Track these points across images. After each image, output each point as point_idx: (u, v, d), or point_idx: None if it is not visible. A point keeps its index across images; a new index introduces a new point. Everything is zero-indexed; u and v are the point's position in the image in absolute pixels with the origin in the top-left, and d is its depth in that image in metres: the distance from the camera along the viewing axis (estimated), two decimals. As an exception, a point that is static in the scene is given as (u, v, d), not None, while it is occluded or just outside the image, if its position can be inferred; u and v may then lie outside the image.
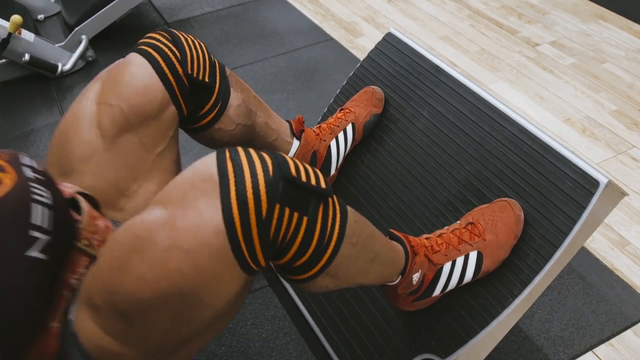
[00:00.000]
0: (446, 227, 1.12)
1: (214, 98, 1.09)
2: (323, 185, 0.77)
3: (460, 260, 1.06)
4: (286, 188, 0.72)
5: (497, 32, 2.55)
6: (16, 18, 2.06)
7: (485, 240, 1.07)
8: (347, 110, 1.37)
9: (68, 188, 0.90)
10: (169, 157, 1.05)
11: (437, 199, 1.22)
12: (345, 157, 1.40)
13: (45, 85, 2.29)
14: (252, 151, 0.74)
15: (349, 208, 0.83)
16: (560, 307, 1.43)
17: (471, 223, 1.09)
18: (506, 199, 1.11)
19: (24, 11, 2.48)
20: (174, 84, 1.01)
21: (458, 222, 1.12)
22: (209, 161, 0.72)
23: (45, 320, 0.77)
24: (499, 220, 1.08)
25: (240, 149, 0.74)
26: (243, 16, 2.75)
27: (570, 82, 2.22)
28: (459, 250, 1.06)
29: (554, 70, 2.29)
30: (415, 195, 1.26)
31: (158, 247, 0.69)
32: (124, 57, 1.04)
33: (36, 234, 0.71)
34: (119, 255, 0.72)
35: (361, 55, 2.41)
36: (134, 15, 2.69)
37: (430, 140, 1.29)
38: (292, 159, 0.77)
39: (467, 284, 1.10)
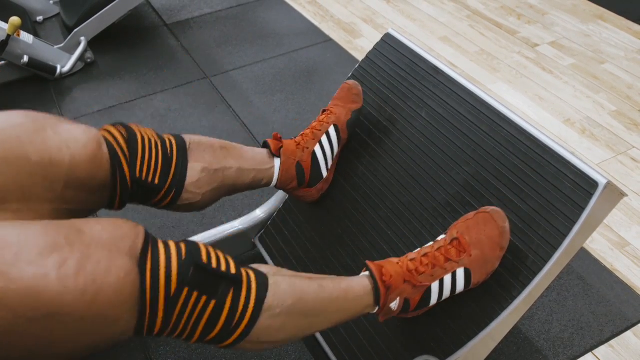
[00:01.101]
0: (430, 243, 1.11)
1: (163, 191, 1.06)
2: (233, 271, 0.84)
3: (448, 278, 1.05)
4: (196, 273, 0.79)
5: (496, 32, 2.55)
6: (15, 20, 2.06)
7: (471, 256, 1.06)
8: (328, 112, 1.36)
9: None
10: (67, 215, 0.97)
11: (436, 200, 1.22)
12: (339, 157, 1.39)
13: (44, 87, 2.29)
14: (170, 243, 0.81)
15: (272, 281, 0.88)
16: (560, 308, 1.43)
17: (456, 239, 1.08)
18: (489, 209, 1.09)
19: (23, 13, 2.48)
20: (117, 180, 0.97)
21: (443, 237, 1.11)
22: (136, 233, 0.78)
23: None
24: (483, 234, 1.07)
25: (159, 241, 0.81)
26: (242, 17, 2.74)
27: (569, 82, 2.22)
28: (445, 269, 1.04)
29: (554, 71, 2.28)
30: (413, 196, 1.26)
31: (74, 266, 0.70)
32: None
33: None
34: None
35: (360, 56, 2.40)
36: (133, 16, 2.69)
37: (428, 141, 1.28)
38: (205, 246, 0.84)
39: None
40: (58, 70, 2.30)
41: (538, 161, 1.11)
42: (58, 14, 2.67)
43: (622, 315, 1.41)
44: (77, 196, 0.91)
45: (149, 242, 0.79)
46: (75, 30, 2.36)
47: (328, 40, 2.55)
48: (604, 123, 2.02)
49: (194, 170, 1.10)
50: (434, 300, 1.06)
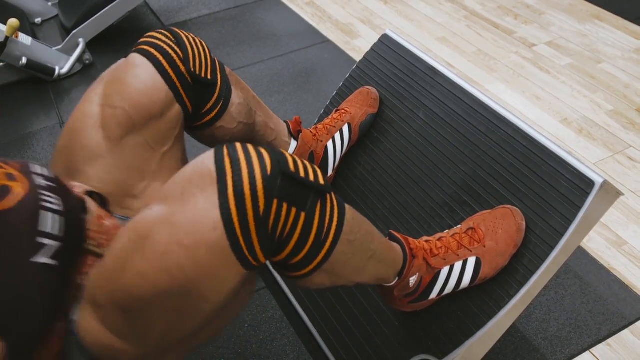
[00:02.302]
0: (447, 230, 1.12)
1: (216, 95, 1.09)
2: (321, 181, 0.77)
3: (458, 265, 1.06)
4: (284, 183, 0.72)
5: (493, 32, 2.55)
6: (13, 22, 2.06)
7: (484, 246, 1.07)
8: (342, 111, 1.38)
9: (77, 188, 0.90)
10: (175, 156, 1.05)
11: (433, 200, 1.22)
12: (342, 158, 1.40)
13: (42, 89, 2.29)
14: (250, 147, 0.74)
15: (347, 206, 0.83)
16: (557, 307, 1.43)
17: (472, 228, 1.09)
18: (509, 206, 1.11)
19: (22, 15, 2.49)
20: (177, 82, 1.01)
21: (459, 226, 1.12)
22: (207, 158, 0.73)
23: (53, 323, 0.78)
24: (500, 227, 1.08)
25: (238, 145, 0.74)
26: (240, 18, 2.75)
27: (566, 82, 2.22)
28: (458, 255, 1.05)
29: (551, 71, 2.29)
30: (411, 196, 1.26)
31: (158, 243, 0.70)
32: (125, 57, 1.04)
33: (45, 240, 0.72)
34: (121, 253, 0.73)
35: (358, 57, 2.41)
36: (131, 18, 2.69)
37: (426, 141, 1.29)
38: (290, 155, 0.77)
39: (464, 288, 1.10)
40: (56, 72, 2.30)
41: (535, 160, 1.11)
42: (56, 16, 2.67)
43: (619, 314, 1.42)
44: (157, 131, 1.01)
45: (222, 157, 0.72)
46: (74, 31, 2.36)
47: (326, 41, 2.56)
48: (601, 122, 2.02)
49: (236, 94, 1.14)
50: (437, 288, 1.06)
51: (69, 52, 2.37)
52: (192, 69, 1.03)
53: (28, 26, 2.44)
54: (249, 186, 0.70)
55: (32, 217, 0.72)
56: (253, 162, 0.72)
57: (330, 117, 1.38)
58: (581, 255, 1.56)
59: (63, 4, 2.58)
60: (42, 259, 0.72)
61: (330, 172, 1.35)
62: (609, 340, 1.37)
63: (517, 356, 1.33)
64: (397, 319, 1.19)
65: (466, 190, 1.19)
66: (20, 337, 0.71)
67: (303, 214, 0.74)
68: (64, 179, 0.96)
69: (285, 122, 1.30)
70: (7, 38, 2.08)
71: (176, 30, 1.07)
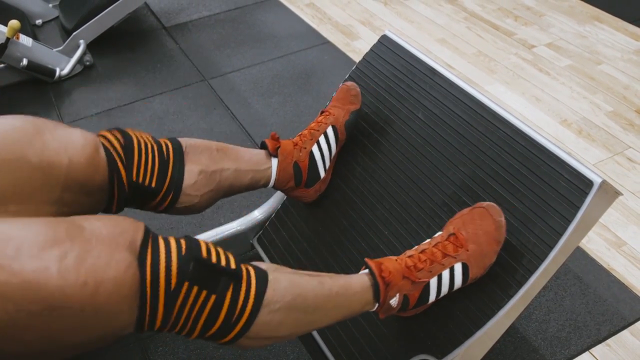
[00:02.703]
0: (428, 240, 1.11)
1: (161, 195, 1.07)
2: (233, 266, 0.85)
3: (446, 274, 1.06)
4: (196, 268, 0.79)
5: (493, 34, 2.56)
6: (14, 23, 2.06)
7: (468, 250, 1.07)
8: (326, 113, 1.36)
9: None
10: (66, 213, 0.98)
11: (432, 200, 1.23)
12: (337, 158, 1.40)
13: (43, 90, 2.30)
14: (170, 238, 0.82)
15: (272, 276, 0.89)
16: (557, 308, 1.43)
17: (453, 234, 1.09)
18: (485, 204, 1.11)
19: (22, 16, 2.49)
20: (115, 188, 0.99)
21: (440, 233, 1.12)
22: (135, 229, 0.78)
23: None
24: (480, 228, 1.08)
25: (159, 237, 0.81)
26: (240, 20, 2.75)
27: (566, 83, 2.23)
28: (443, 265, 1.05)
29: (550, 72, 2.29)
30: (410, 196, 1.26)
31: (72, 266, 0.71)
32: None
33: None
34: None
35: (358, 58, 2.41)
36: (132, 19, 2.70)
37: (425, 141, 1.29)
38: (205, 242, 0.84)
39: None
40: (57, 73, 2.30)
41: (534, 161, 1.12)
42: (57, 17, 2.68)
43: (618, 315, 1.42)
44: (75, 199, 0.92)
45: (149, 237, 0.79)
46: (74, 33, 2.36)
47: (325, 42, 2.56)
48: (600, 123, 2.03)
49: (191, 172, 1.10)
50: (432, 296, 1.06)
51: (69, 53, 2.37)
52: (135, 179, 1.01)
53: (29, 27, 2.44)
54: (165, 264, 0.77)
55: None
56: (171, 247, 0.79)
57: (316, 119, 1.37)
58: (581, 255, 1.56)
59: (64, 6, 2.58)
60: None
61: (322, 174, 1.34)
62: (609, 341, 1.37)
63: (516, 356, 1.33)
64: (397, 319, 1.19)
65: (465, 191, 1.19)
66: None
67: (213, 296, 0.81)
68: None
69: (262, 142, 1.27)
70: (7, 39, 2.08)
71: (129, 132, 1.04)
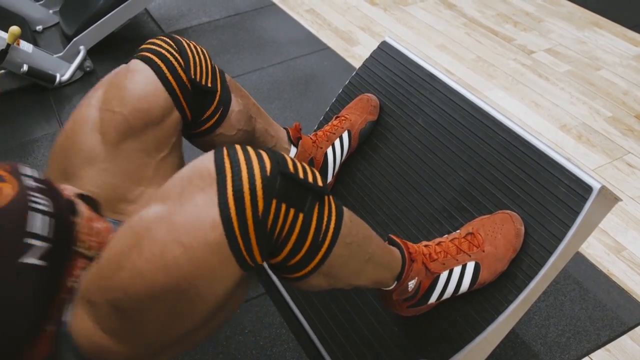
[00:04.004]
0: (446, 235, 1.12)
1: (215, 103, 1.10)
2: (320, 183, 0.78)
3: (457, 270, 1.06)
4: (283, 184, 0.73)
5: (492, 40, 2.57)
6: (15, 29, 2.07)
7: (483, 251, 1.07)
8: (342, 118, 1.38)
9: (67, 190, 0.91)
10: (172, 163, 1.06)
11: (432, 206, 1.23)
12: (342, 165, 1.40)
13: (43, 96, 2.30)
14: (250, 149, 0.75)
15: (345, 209, 0.84)
16: (556, 313, 1.43)
17: (471, 233, 1.10)
18: (508, 211, 1.11)
19: (23, 22, 2.50)
20: (177, 89, 1.02)
21: (458, 231, 1.12)
22: (206, 158, 0.74)
23: (41, 325, 0.78)
24: (499, 232, 1.09)
25: (238, 147, 0.75)
26: (240, 26, 2.76)
27: (565, 89, 2.23)
28: (457, 260, 1.06)
29: (550, 78, 2.30)
30: (410, 202, 1.27)
31: (156, 241, 0.70)
32: (126, 63, 1.04)
33: (33, 241, 0.72)
34: (118, 251, 0.74)
35: (357, 64, 2.42)
36: (132, 25, 2.71)
37: (425, 147, 1.29)
38: (290, 157, 0.78)
39: (463, 292, 1.10)
40: (57, 79, 2.31)
41: (533, 166, 1.12)
42: (57, 23, 2.68)
43: (618, 320, 1.42)
44: (156, 130, 1.01)
45: (222, 159, 0.74)
46: (75, 39, 2.37)
47: (325, 48, 2.57)
48: (599, 129, 2.03)
49: (235, 101, 1.14)
50: (436, 293, 1.06)
51: (69, 59, 2.38)
52: (193, 77, 1.04)
53: (29, 34, 2.45)
54: (248, 186, 0.71)
55: (20, 217, 0.72)
56: (253, 162, 0.73)
57: (330, 123, 1.39)
58: (580, 261, 1.56)
59: (64, 12, 2.59)
60: (31, 259, 0.72)
61: (329, 178, 1.36)
62: (608, 346, 1.37)
63: (516, 362, 1.33)
64: (397, 324, 1.19)
65: (465, 196, 1.19)
66: (7, 338, 0.71)
67: (301, 215, 0.75)
68: (59, 180, 0.96)
69: (285, 128, 1.30)
70: (8, 45, 2.09)
71: (178, 37, 1.08)
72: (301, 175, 0.76)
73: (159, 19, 2.82)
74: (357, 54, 2.52)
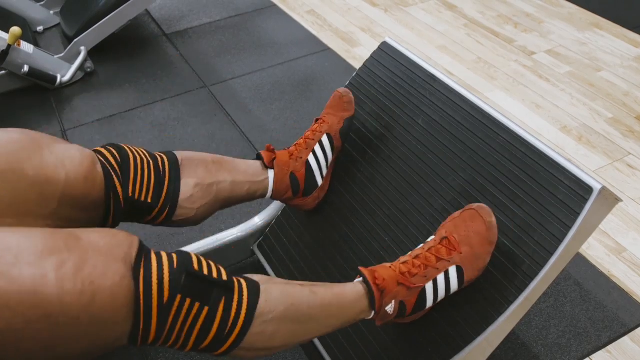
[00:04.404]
0: (421, 245, 1.12)
1: (157, 209, 1.08)
2: (224, 277, 0.85)
3: (441, 278, 1.06)
4: (188, 280, 0.80)
5: (493, 41, 2.57)
6: (15, 30, 2.07)
7: (461, 253, 1.07)
8: (321, 121, 1.36)
9: None
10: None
11: (432, 206, 1.23)
12: (336, 164, 1.40)
13: (44, 97, 2.31)
14: (163, 253, 0.82)
15: (265, 287, 0.89)
16: (557, 314, 1.43)
17: (445, 238, 1.09)
18: (474, 205, 1.10)
19: (24, 23, 2.50)
20: (111, 199, 1.00)
21: (432, 237, 1.12)
22: (130, 239, 0.79)
23: None
24: (471, 230, 1.08)
25: (152, 252, 0.81)
26: (241, 27, 2.76)
27: (566, 90, 2.23)
28: (438, 269, 1.05)
29: (550, 79, 2.30)
30: (410, 202, 1.27)
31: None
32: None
33: None
34: None
35: (358, 65, 2.41)
36: (133, 26, 2.71)
37: (425, 148, 1.29)
38: (197, 255, 0.85)
39: (463, 290, 1.10)
40: (58, 80, 2.31)
41: (533, 167, 1.12)
42: (58, 24, 2.69)
43: (619, 321, 1.42)
44: (72, 214, 0.93)
45: (142, 251, 0.80)
46: (75, 40, 2.37)
47: (326, 49, 2.57)
48: (600, 130, 2.03)
49: (187, 186, 1.12)
50: (429, 301, 1.06)
51: (70, 60, 2.38)
52: (131, 195, 1.02)
53: (30, 34, 2.45)
54: (157, 278, 0.78)
55: None
56: (163, 261, 0.80)
57: (311, 128, 1.36)
58: (581, 262, 1.56)
59: (65, 13, 2.59)
60: None
61: (320, 182, 1.34)
62: (609, 347, 1.37)
63: (516, 363, 1.33)
64: (397, 325, 1.19)
65: (465, 197, 1.19)
66: None
67: (206, 308, 0.82)
68: None
69: (258, 154, 1.28)
70: (9, 46, 2.09)
71: (124, 147, 1.05)
72: (205, 272, 0.83)
73: (160, 20, 2.82)
74: (357, 55, 2.52)
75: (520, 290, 1.05)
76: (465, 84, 2.30)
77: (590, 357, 1.35)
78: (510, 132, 1.18)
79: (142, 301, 0.76)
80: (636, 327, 1.41)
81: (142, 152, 1.07)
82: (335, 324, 0.99)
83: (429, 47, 2.55)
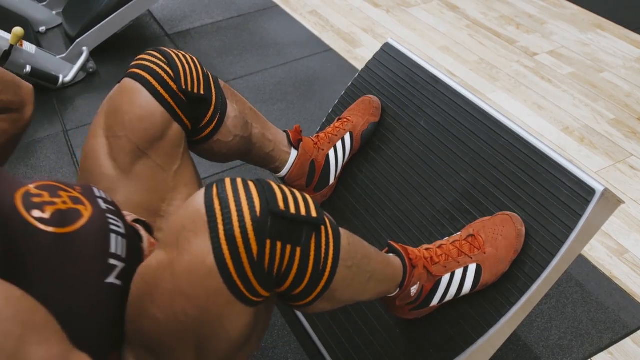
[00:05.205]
0: (446, 238, 1.12)
1: (212, 109, 1.11)
2: (314, 214, 0.76)
3: (459, 272, 1.06)
4: (275, 223, 0.72)
5: (495, 42, 2.56)
6: (18, 30, 2.07)
7: (484, 253, 1.07)
8: (344, 120, 1.38)
9: (127, 215, 0.92)
10: (187, 171, 1.08)
11: (435, 208, 1.23)
12: (344, 167, 1.40)
13: (46, 97, 2.31)
14: (239, 184, 0.74)
15: (342, 230, 0.83)
16: (559, 316, 1.43)
17: (472, 235, 1.10)
18: (509, 212, 1.11)
19: (26, 23, 2.50)
20: (171, 102, 1.03)
21: (459, 233, 1.12)
22: (197, 200, 0.73)
23: (114, 345, 0.80)
24: (500, 233, 1.08)
25: (227, 183, 0.74)
26: (243, 27, 2.76)
27: (568, 91, 2.23)
28: (458, 262, 1.06)
29: (553, 80, 2.30)
30: (412, 204, 1.27)
31: (163, 291, 0.72)
32: (119, 82, 1.06)
33: (114, 261, 0.76)
34: (137, 297, 0.76)
35: (360, 66, 2.42)
36: (135, 26, 2.71)
37: (427, 149, 1.29)
38: (280, 188, 0.76)
39: (466, 294, 1.10)
40: (60, 80, 2.31)
41: (535, 169, 1.12)
42: (60, 25, 2.69)
43: (620, 322, 1.41)
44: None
45: (213, 200, 0.72)
46: (78, 40, 2.37)
47: (328, 50, 2.57)
48: (602, 131, 2.03)
49: (231, 107, 1.15)
50: (439, 295, 1.06)
51: (72, 60, 2.38)
52: (184, 87, 1.05)
53: (32, 35, 2.45)
54: (240, 231, 0.70)
55: (103, 238, 0.75)
56: (242, 205, 0.71)
57: (332, 125, 1.39)
58: (583, 263, 1.56)
59: (67, 13, 2.59)
60: (112, 279, 0.75)
61: (332, 180, 1.36)
62: (611, 349, 1.37)
63: (518, 364, 1.33)
64: (398, 326, 1.19)
65: (467, 198, 1.19)
66: (93, 354, 0.72)
67: (299, 249, 0.74)
68: None
69: (285, 131, 1.30)
70: (11, 46, 2.09)
71: (166, 49, 1.09)
72: (292, 210, 0.74)
73: (162, 21, 2.82)
74: (359, 56, 2.52)
75: (522, 292, 1.05)
76: (467, 84, 2.30)
77: (592, 358, 1.35)
78: (512, 133, 1.18)
79: (231, 265, 0.70)
80: (638, 329, 1.41)
81: (182, 53, 1.10)
82: (379, 290, 0.96)
83: (430, 48, 2.55)
